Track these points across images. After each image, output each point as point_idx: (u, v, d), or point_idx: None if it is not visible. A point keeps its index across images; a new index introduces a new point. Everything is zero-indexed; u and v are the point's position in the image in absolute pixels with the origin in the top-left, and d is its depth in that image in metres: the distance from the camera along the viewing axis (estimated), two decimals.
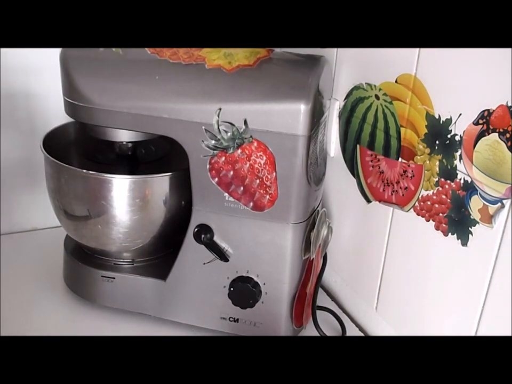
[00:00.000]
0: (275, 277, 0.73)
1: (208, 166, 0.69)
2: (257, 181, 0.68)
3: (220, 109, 0.65)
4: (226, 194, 0.70)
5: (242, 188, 0.69)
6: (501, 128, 0.56)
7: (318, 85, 0.66)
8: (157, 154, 0.84)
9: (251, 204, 0.69)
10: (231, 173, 0.68)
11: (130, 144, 0.79)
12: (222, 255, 0.72)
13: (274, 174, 0.67)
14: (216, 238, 0.73)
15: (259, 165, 0.67)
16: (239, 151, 0.67)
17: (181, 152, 0.70)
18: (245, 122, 0.65)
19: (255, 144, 0.66)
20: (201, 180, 0.70)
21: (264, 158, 0.67)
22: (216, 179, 0.69)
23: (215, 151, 0.68)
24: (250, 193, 0.69)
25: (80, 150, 0.85)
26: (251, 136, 0.66)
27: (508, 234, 0.57)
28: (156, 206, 0.76)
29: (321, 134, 0.72)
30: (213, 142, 0.67)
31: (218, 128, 0.66)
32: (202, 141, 0.67)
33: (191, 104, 0.67)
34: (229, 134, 0.66)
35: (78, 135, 0.86)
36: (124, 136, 0.74)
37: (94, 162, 0.81)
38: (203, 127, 0.67)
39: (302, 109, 0.64)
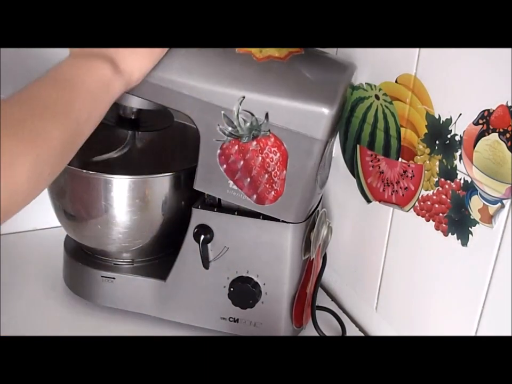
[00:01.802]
0: (275, 277, 0.73)
1: (218, 151, 0.67)
2: (266, 176, 0.67)
3: (244, 97, 0.63)
4: (231, 182, 0.68)
5: (248, 179, 0.68)
6: (501, 128, 0.56)
7: (345, 91, 0.66)
8: (158, 125, 0.80)
9: (254, 196, 0.68)
10: (241, 162, 0.67)
11: (134, 109, 0.75)
12: (205, 261, 0.72)
13: (284, 172, 0.66)
14: (216, 238, 0.72)
15: (271, 160, 0.66)
16: (254, 142, 0.66)
17: (182, 152, 0.70)
18: (266, 115, 0.64)
19: (272, 139, 0.65)
20: (209, 163, 0.68)
21: (278, 154, 0.65)
22: (224, 165, 0.68)
23: (229, 138, 0.66)
24: (255, 186, 0.68)
25: (90, 150, 0.84)
26: (269, 131, 0.65)
27: (508, 234, 0.57)
28: (155, 206, 0.76)
29: (333, 138, 0.72)
30: (230, 128, 0.65)
31: (238, 115, 0.65)
32: (218, 125, 0.66)
33: (214, 86, 0.65)
34: (247, 123, 0.65)
35: None
36: (132, 102, 0.71)
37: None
38: (222, 112, 0.65)
39: (325, 113, 0.63)
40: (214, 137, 0.67)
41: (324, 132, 0.64)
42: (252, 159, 0.67)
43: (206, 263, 0.72)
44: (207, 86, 0.65)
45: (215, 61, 0.66)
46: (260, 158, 0.66)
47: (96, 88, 0.57)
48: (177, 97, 0.66)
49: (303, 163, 0.66)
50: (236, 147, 0.66)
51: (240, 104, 0.64)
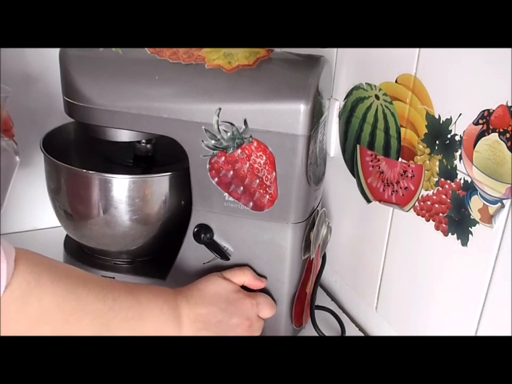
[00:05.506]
0: (275, 277, 0.73)
1: (208, 166, 0.69)
2: (257, 181, 0.68)
3: (220, 109, 0.65)
4: (226, 194, 0.70)
5: (242, 188, 0.69)
6: (501, 128, 0.56)
7: (318, 85, 0.66)
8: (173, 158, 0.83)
9: (251, 203, 0.69)
10: (231, 172, 0.68)
11: (149, 147, 0.80)
12: (222, 254, 0.72)
13: (274, 173, 0.67)
14: (216, 238, 0.73)
15: (259, 164, 0.67)
16: (239, 151, 0.67)
17: (182, 152, 0.70)
18: (245, 122, 0.65)
19: (255, 144, 0.66)
20: (201, 179, 0.70)
21: (264, 158, 0.67)
22: (216, 179, 0.69)
23: (215, 151, 0.68)
24: (250, 193, 0.69)
25: (90, 150, 0.85)
26: (251, 136, 0.66)
27: (507, 234, 0.57)
28: (155, 206, 0.76)
29: (320, 134, 0.72)
30: (213, 142, 0.67)
31: (218, 128, 0.66)
32: (202, 140, 0.67)
33: (191, 104, 0.67)
34: (228, 134, 0.66)
35: (78, 135, 0.86)
36: (124, 136, 0.74)
37: (115, 163, 0.82)
38: (203, 127, 0.67)
39: (301, 108, 0.64)
40: (200, 153, 0.68)
41: (303, 127, 0.65)
42: (241, 168, 0.68)
43: (224, 255, 0.73)
44: (184, 105, 0.67)
45: (188, 80, 0.67)
46: (248, 164, 0.67)
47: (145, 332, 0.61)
48: (159, 122, 0.68)
49: (290, 162, 0.66)
50: (223, 159, 0.68)
51: (218, 116, 0.66)
